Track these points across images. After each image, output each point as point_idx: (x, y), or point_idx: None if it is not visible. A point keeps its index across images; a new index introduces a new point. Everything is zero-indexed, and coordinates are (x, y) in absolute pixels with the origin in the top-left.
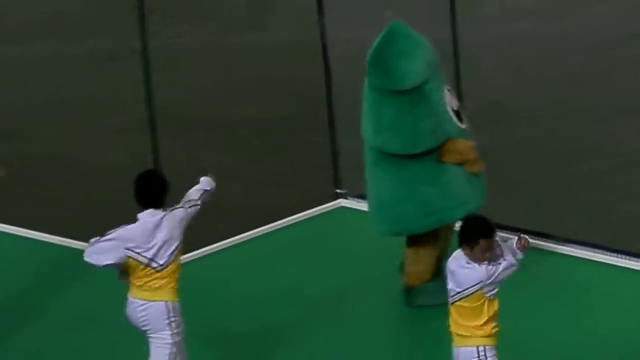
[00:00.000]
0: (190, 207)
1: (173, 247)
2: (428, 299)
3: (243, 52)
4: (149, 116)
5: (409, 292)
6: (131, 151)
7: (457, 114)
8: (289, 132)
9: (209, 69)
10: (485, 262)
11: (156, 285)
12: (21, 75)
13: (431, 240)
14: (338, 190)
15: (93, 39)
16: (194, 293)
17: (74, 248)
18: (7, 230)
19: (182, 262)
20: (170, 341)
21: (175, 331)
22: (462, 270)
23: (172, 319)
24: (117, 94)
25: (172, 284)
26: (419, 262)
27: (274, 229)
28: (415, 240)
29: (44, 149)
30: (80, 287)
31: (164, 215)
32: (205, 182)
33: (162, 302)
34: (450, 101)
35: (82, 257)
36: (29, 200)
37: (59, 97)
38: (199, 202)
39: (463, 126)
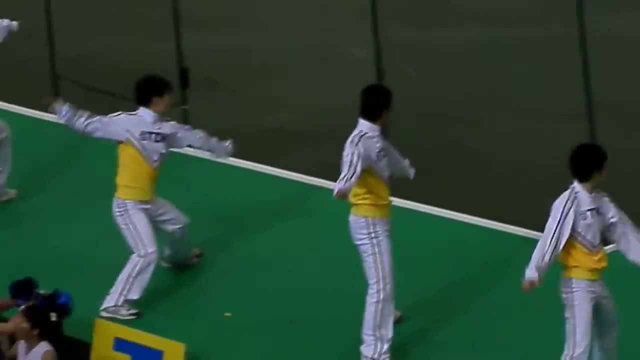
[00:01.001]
0: None
1: None
2: None
3: None
4: (587, 104)
5: None
6: (568, 138)
7: None
8: None
9: None
10: None
11: None
12: (460, 59)
13: None
14: None
15: (530, 25)
16: None
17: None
18: (440, 214)
19: None
20: None
21: None
22: None
23: None
24: (555, 81)
25: None
26: None
27: None
28: None
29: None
30: (508, 270)
31: None
32: None
33: None
34: None
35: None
36: (463, 184)
37: (497, 83)
38: None
39: None
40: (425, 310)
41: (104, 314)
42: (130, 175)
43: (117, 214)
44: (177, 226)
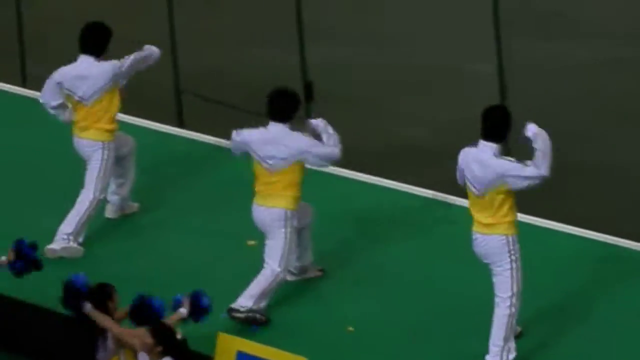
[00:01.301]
0: None
1: None
2: None
3: None
4: None
5: None
6: None
7: None
8: None
9: None
10: None
11: None
12: (583, 77)
13: None
14: None
15: None
16: None
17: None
18: (559, 229)
19: None
20: None
21: None
22: None
23: None
24: None
25: None
26: None
27: None
28: None
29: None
30: (628, 285)
31: None
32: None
33: None
34: None
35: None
36: (582, 199)
37: (620, 100)
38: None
39: None
40: (543, 325)
41: (235, 314)
42: (298, 185)
43: (282, 224)
44: (307, 219)
